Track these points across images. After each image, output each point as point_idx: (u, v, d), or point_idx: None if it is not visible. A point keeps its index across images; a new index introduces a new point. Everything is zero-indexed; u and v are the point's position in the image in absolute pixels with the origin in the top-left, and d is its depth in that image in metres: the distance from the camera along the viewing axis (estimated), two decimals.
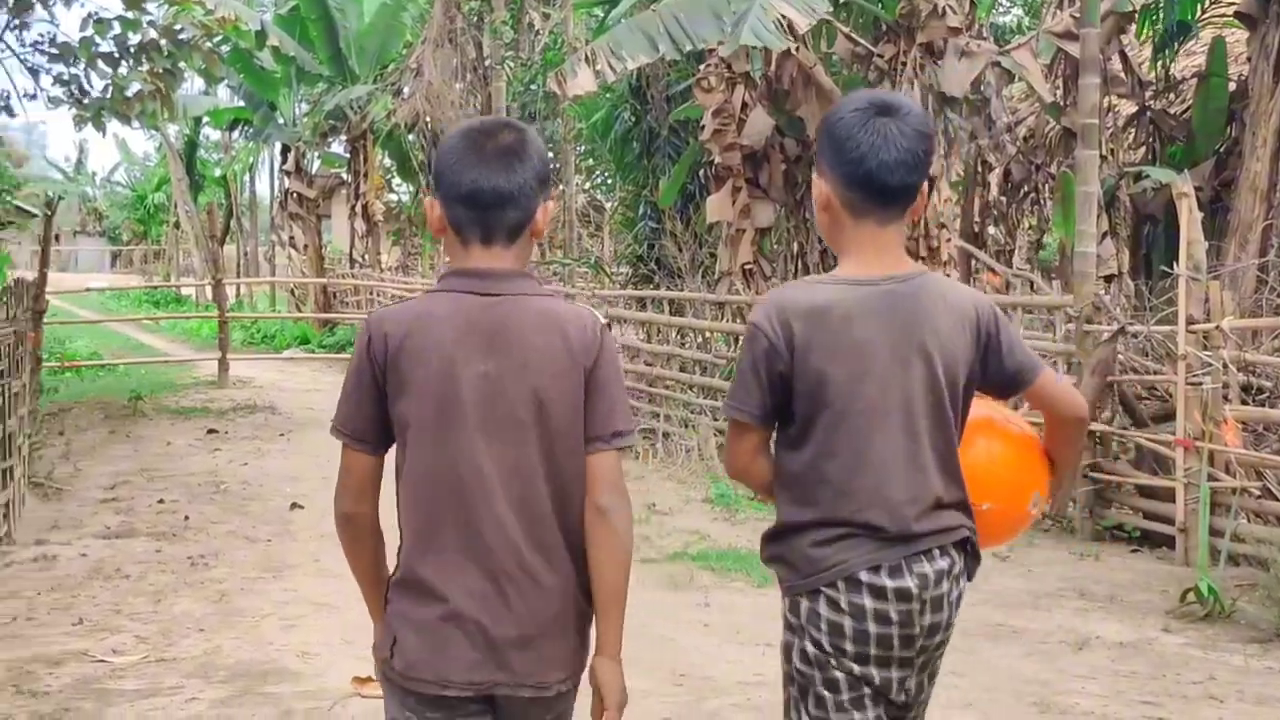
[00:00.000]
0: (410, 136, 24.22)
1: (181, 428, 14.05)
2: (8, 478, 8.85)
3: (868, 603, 2.70)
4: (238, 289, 31.74)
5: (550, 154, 27.49)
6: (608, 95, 18.16)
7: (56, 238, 70.29)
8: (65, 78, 16.03)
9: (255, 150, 32.38)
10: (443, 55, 23.00)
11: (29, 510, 9.70)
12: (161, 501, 10.18)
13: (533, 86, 23.97)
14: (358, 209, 25.86)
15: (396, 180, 28.78)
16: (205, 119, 31.11)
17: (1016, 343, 2.89)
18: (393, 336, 2.68)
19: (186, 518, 9.57)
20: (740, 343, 2.98)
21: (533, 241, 2.80)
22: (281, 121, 26.30)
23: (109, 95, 16.43)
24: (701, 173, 15.70)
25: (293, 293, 28.61)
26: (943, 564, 2.77)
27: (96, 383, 19.05)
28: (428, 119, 23.67)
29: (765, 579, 7.45)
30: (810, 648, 2.75)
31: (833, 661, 2.73)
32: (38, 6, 16.13)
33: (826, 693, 2.75)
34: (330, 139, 27.65)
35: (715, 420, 12.38)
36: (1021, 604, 7.60)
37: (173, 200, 38.98)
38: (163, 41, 16.58)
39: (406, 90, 23.74)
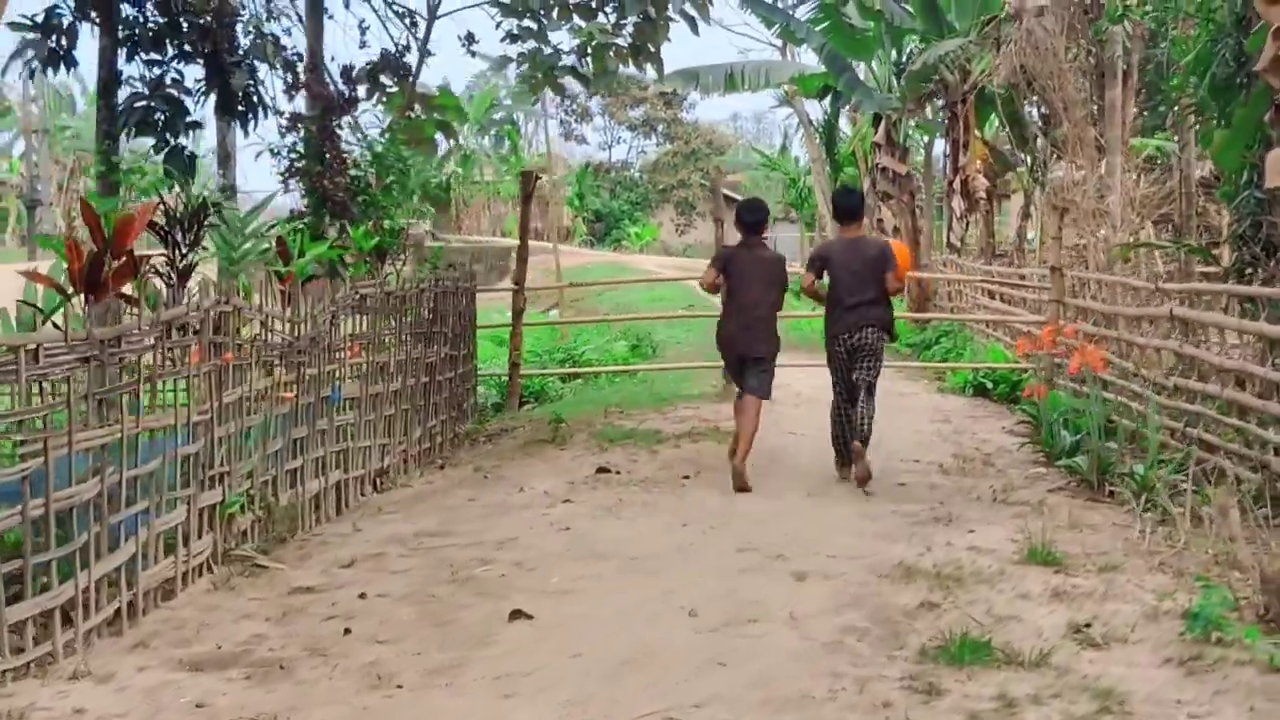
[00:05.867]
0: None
1: (573, 464, 11.25)
2: (78, 565, 6.24)
3: (840, 339, 10.22)
4: None
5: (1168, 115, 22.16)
6: (1209, 27, 13.39)
7: None
8: (515, 31, 13.65)
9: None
10: None
11: (182, 603, 7.16)
12: (382, 596, 7.30)
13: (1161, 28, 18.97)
14: (956, 185, 21.97)
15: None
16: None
17: (891, 260, 10.15)
18: (727, 257, 10.43)
19: (347, 630, 6.62)
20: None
21: (764, 233, 10.61)
22: (871, 86, 22.86)
23: (574, 51, 13.97)
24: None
25: None
26: (866, 332, 10.08)
27: (604, 391, 16.82)
28: (1031, 77, 19.50)
29: None
30: (830, 348, 10.32)
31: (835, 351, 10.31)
32: None
33: (833, 362, 10.33)
34: (926, 104, 23.89)
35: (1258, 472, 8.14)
36: None
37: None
38: None
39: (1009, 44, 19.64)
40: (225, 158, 13.02)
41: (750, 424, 10.08)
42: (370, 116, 13.92)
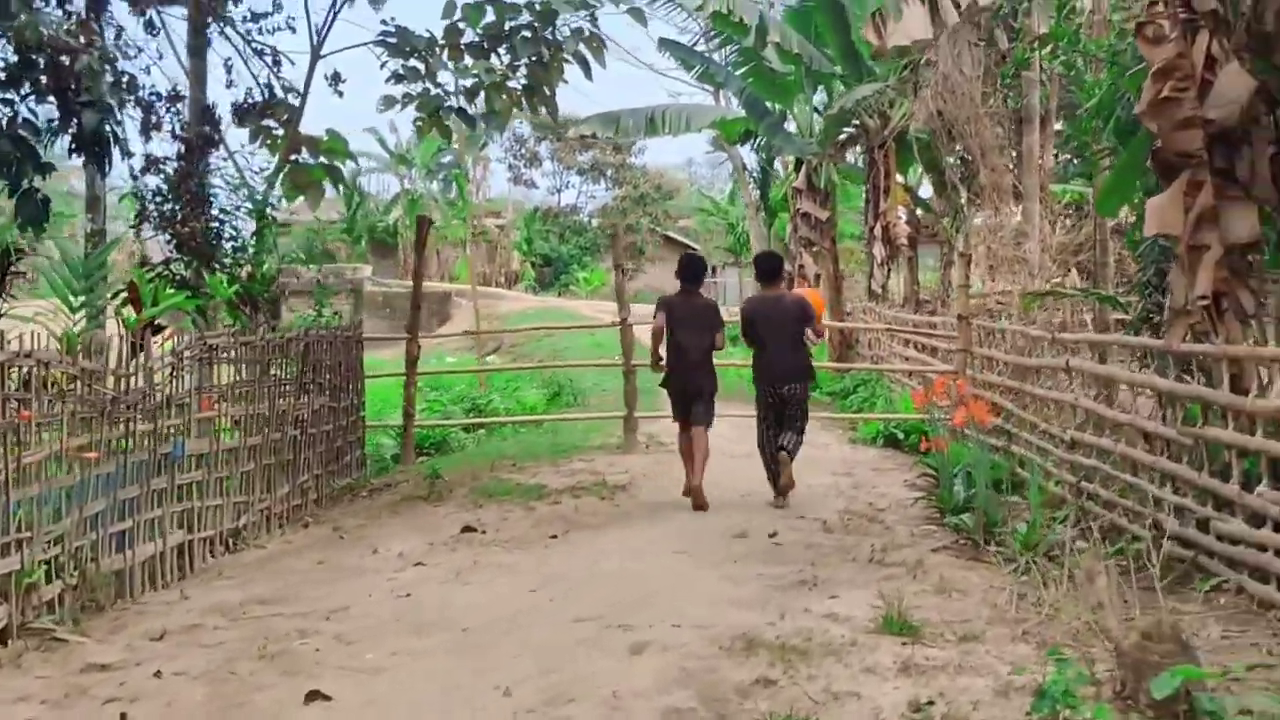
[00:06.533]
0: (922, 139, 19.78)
1: (443, 522, 10.76)
2: None
3: (768, 388, 11.56)
4: None
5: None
6: (1114, 70, 13.12)
7: (713, 269, 70.21)
8: (401, 71, 13.19)
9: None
10: (962, 41, 18.40)
11: None
12: (179, 674, 6.75)
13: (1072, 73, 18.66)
14: (876, 230, 21.62)
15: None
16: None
17: (811, 317, 11.57)
18: (668, 304, 11.69)
19: (123, 716, 6.07)
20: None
21: (701, 284, 12.00)
22: (792, 131, 22.52)
23: (461, 92, 13.53)
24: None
25: None
26: (789, 384, 11.44)
27: (505, 442, 16.30)
28: (949, 121, 19.16)
29: None
30: (759, 391, 11.62)
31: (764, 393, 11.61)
32: None
33: (761, 404, 11.63)
34: (848, 149, 23.55)
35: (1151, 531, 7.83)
36: None
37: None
38: (539, 26, 13.51)
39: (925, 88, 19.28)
40: (94, 200, 12.50)
41: (701, 449, 11.37)
42: (256, 160, 13.44)
